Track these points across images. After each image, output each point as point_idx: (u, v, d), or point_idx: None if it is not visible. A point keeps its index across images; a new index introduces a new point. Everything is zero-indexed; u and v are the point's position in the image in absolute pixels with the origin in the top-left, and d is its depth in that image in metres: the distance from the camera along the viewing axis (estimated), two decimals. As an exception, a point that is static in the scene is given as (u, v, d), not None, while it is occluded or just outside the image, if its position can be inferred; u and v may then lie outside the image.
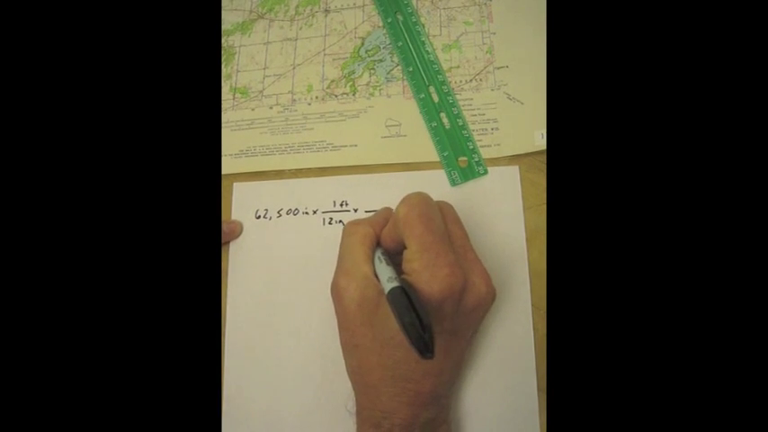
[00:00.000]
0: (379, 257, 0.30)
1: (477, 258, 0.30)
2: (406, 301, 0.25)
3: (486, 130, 0.37)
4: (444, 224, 0.29)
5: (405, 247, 0.28)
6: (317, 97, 0.40)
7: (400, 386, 0.28)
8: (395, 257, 0.30)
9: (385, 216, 0.32)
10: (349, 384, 0.31)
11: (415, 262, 0.27)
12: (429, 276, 0.26)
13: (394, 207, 0.34)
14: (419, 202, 0.28)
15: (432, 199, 0.29)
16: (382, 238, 0.31)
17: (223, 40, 0.43)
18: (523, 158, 0.36)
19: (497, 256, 0.33)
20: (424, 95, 0.39)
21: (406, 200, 0.29)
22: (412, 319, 0.24)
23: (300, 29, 0.42)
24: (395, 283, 0.26)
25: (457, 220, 0.31)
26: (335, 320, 0.32)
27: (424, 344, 0.23)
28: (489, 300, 0.29)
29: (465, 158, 0.37)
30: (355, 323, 0.29)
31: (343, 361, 0.31)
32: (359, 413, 0.30)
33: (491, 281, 0.29)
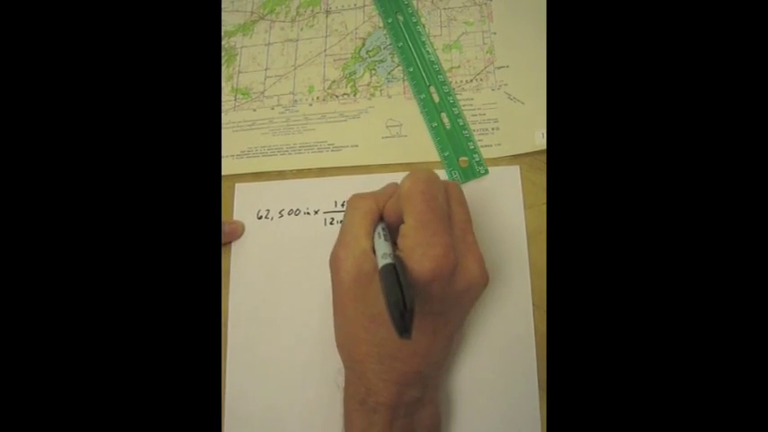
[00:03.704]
0: (378, 233, 0.29)
1: (475, 242, 0.29)
2: (395, 278, 0.25)
3: (487, 129, 0.37)
4: (448, 205, 0.29)
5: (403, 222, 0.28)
6: (318, 98, 0.40)
7: (387, 364, 0.28)
8: (395, 233, 0.29)
9: (390, 191, 0.32)
10: None
11: (409, 238, 0.27)
12: (421, 254, 0.26)
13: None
14: (424, 178, 0.28)
15: (438, 177, 0.29)
16: (385, 212, 0.31)
17: (224, 42, 0.44)
18: (524, 158, 0.36)
19: (498, 255, 0.33)
20: (424, 95, 0.39)
21: (412, 175, 0.29)
22: (396, 297, 0.24)
23: (301, 30, 0.43)
24: (388, 260, 0.26)
25: (462, 202, 0.31)
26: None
27: (402, 323, 0.23)
28: (481, 284, 0.29)
29: (466, 158, 0.37)
30: (348, 296, 0.29)
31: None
32: (346, 388, 0.30)
33: (485, 266, 0.29)
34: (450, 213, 0.29)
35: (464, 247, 0.29)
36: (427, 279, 0.26)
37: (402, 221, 0.28)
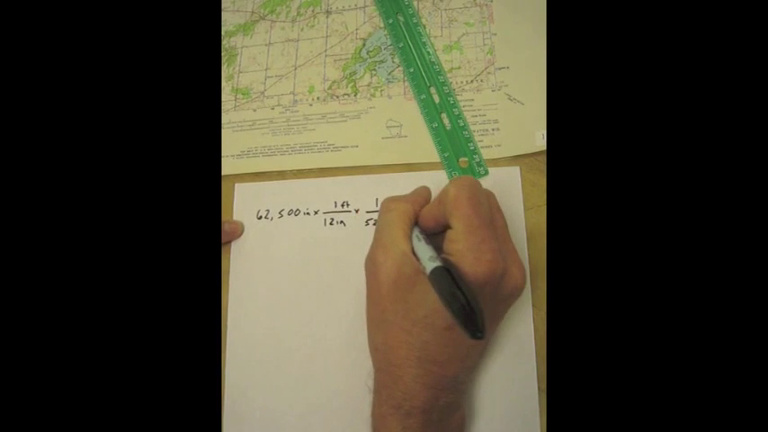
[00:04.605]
0: (417, 236, 0.29)
1: (514, 249, 0.30)
2: (452, 281, 0.25)
3: (487, 130, 0.37)
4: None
5: (447, 228, 0.28)
6: (318, 98, 0.40)
7: (425, 368, 0.28)
8: (432, 238, 0.30)
9: (423, 195, 0.32)
10: (369, 364, 0.31)
11: (459, 243, 0.27)
12: (473, 259, 0.26)
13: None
14: (470, 185, 0.28)
15: (481, 185, 0.29)
16: (422, 217, 0.31)
17: (225, 42, 0.44)
18: (524, 159, 0.36)
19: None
20: (424, 96, 0.39)
21: (456, 182, 0.29)
22: (459, 299, 0.24)
23: (302, 30, 0.43)
24: (437, 263, 0.26)
25: (499, 209, 0.31)
26: (337, 320, 0.32)
27: (475, 325, 0.23)
28: (522, 290, 0.30)
29: (466, 159, 0.37)
30: (388, 299, 0.29)
31: (366, 341, 0.31)
32: (378, 392, 0.29)
33: (525, 272, 0.29)
34: (492, 220, 0.30)
35: (507, 253, 0.29)
36: (480, 283, 0.27)
37: (441, 227, 0.29)
